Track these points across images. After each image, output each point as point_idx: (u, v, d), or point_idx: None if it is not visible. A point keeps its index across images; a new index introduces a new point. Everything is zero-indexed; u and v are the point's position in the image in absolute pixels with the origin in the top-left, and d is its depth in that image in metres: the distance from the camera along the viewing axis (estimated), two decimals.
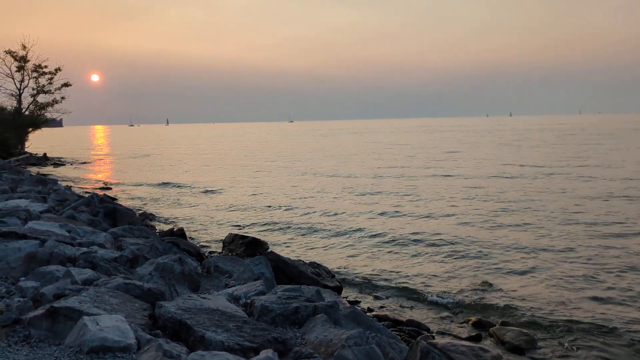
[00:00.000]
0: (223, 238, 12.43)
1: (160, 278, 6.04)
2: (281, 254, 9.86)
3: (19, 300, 4.74)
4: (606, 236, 12.95)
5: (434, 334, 7.40)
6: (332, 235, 14.06)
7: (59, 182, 20.57)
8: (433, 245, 12.63)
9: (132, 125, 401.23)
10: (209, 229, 15.43)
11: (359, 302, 8.89)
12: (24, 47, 45.04)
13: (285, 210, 18.27)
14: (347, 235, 13.99)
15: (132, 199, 21.98)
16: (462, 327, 7.82)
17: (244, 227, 15.47)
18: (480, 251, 11.87)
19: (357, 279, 10.15)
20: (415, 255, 11.81)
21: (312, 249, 12.72)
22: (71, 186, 21.94)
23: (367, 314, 7.22)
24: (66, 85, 46.35)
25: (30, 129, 47.75)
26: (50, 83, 46.33)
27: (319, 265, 10.06)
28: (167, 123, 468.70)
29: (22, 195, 12.93)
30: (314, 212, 17.68)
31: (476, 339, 7.23)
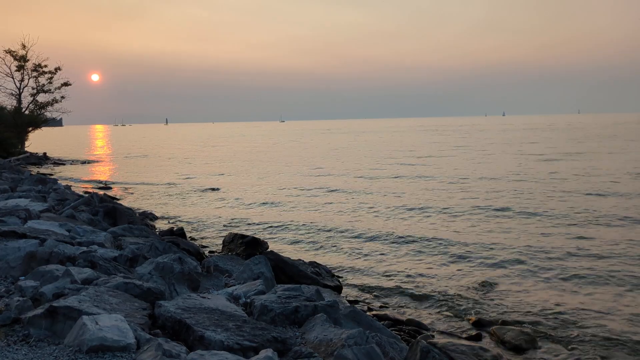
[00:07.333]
0: (223, 237, 12.43)
1: (160, 277, 6.04)
2: (281, 253, 9.86)
3: (18, 299, 4.74)
4: (610, 236, 12.93)
5: (434, 334, 7.39)
6: (332, 235, 14.04)
7: (58, 182, 20.56)
8: (433, 244, 12.61)
9: (124, 125, 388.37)
10: (208, 228, 15.42)
11: (359, 301, 8.88)
12: (24, 47, 45.09)
13: (285, 209, 18.26)
14: (347, 235, 13.98)
15: (132, 198, 21.97)
16: (462, 326, 7.80)
17: (243, 226, 15.47)
18: (480, 250, 11.86)
19: (357, 279, 10.13)
20: (415, 255, 11.80)
21: (312, 248, 12.71)
22: (71, 185, 21.88)
23: (367, 313, 7.21)
24: (66, 84, 46.36)
25: (30, 129, 47.76)
26: (50, 82, 46.35)
27: (319, 265, 10.05)
28: (167, 122, 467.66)
29: (22, 195, 12.92)
30: (314, 211, 17.68)
31: (476, 338, 7.21)
